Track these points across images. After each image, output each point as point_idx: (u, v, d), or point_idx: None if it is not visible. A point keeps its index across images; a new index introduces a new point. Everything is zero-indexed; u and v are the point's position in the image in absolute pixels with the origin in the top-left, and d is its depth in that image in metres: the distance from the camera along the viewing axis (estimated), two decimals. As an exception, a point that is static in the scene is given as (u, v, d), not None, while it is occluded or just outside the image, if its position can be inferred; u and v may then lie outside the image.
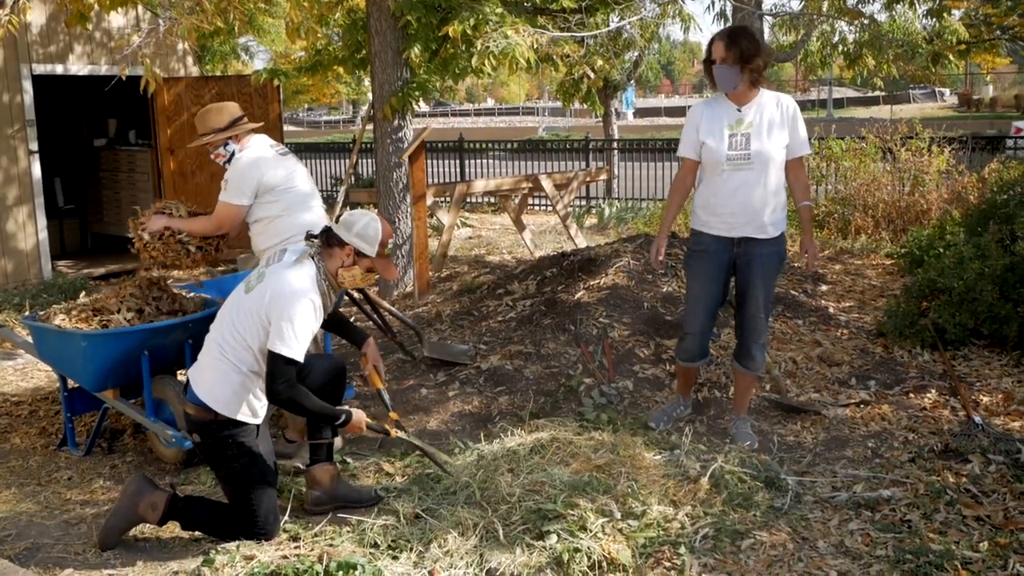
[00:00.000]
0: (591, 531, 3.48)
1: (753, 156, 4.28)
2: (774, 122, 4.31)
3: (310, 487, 4.10)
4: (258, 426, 3.83)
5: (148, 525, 3.92)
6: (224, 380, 3.74)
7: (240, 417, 3.75)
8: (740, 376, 4.68)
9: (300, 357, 3.65)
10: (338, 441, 4.65)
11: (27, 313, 6.03)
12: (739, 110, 4.34)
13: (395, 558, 3.49)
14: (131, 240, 4.88)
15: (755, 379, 4.70)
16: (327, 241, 3.85)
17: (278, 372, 3.62)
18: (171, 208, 4.94)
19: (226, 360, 3.74)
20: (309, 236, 3.92)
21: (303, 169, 4.90)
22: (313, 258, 3.82)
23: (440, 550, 3.47)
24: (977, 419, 4.60)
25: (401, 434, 4.17)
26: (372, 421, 3.97)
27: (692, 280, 4.60)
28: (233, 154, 4.75)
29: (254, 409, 3.79)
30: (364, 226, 3.82)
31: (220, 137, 4.71)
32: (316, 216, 4.82)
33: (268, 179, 4.67)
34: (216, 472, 3.89)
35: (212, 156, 4.80)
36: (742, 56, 4.21)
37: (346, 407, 3.88)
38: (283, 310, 3.63)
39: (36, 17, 9.54)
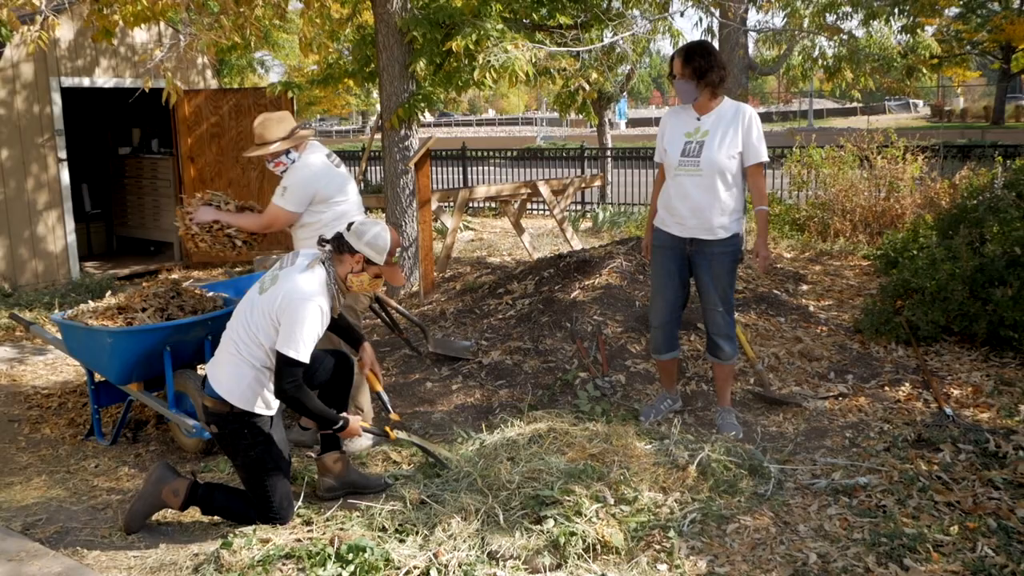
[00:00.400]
0: (586, 516, 3.48)
1: (703, 163, 4.33)
2: (729, 131, 4.34)
3: (321, 474, 4.10)
4: (271, 417, 3.84)
5: (170, 510, 3.92)
6: (239, 375, 3.74)
7: (254, 409, 3.75)
8: (715, 367, 4.72)
9: (306, 359, 3.64)
10: (366, 442, 4.67)
11: (57, 311, 6.03)
12: (699, 119, 4.41)
13: (402, 541, 3.50)
14: (177, 234, 4.87)
15: (730, 369, 4.68)
16: (338, 248, 3.84)
17: (284, 372, 3.63)
18: (219, 200, 4.92)
19: (240, 356, 3.74)
20: (321, 241, 3.92)
21: (352, 180, 4.87)
22: (324, 263, 3.82)
23: (444, 534, 3.48)
24: (948, 411, 4.61)
25: (401, 435, 4.18)
26: (369, 425, 3.97)
27: (653, 276, 4.70)
28: (293, 162, 4.71)
29: (267, 401, 3.79)
30: (375, 236, 3.80)
31: (284, 147, 4.68)
32: None
33: (323, 191, 4.66)
34: (233, 461, 3.89)
35: (272, 165, 4.74)
36: (696, 72, 4.31)
37: (344, 414, 3.87)
38: (293, 313, 3.63)
39: (64, 33, 9.54)
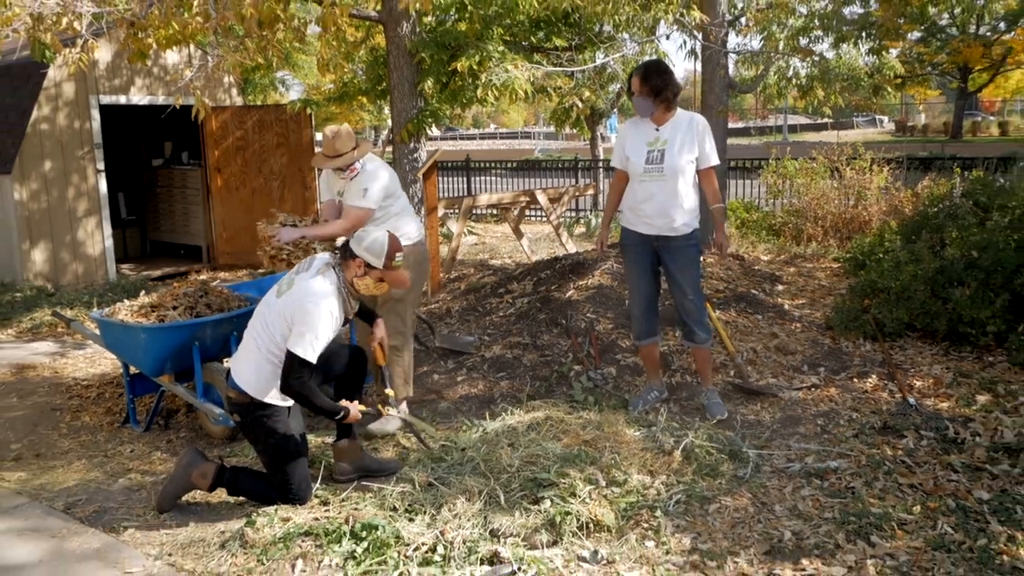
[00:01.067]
0: (580, 497, 3.48)
1: (666, 168, 4.41)
2: (686, 139, 4.43)
3: (337, 459, 4.09)
4: (289, 408, 3.83)
5: (199, 491, 3.92)
6: (258, 369, 3.74)
7: (271, 400, 3.75)
8: (694, 351, 4.76)
9: (312, 359, 3.63)
10: (395, 424, 4.67)
11: (95, 309, 6.02)
12: (657, 129, 4.48)
13: (411, 520, 3.49)
14: (261, 249, 4.86)
15: (707, 352, 4.72)
16: (344, 254, 3.84)
17: (292, 370, 3.62)
18: (294, 220, 4.94)
19: (260, 353, 3.74)
20: (334, 248, 3.91)
21: None
22: (334, 268, 3.81)
23: (450, 513, 3.47)
24: (911, 400, 4.61)
25: (391, 411, 4.17)
26: (365, 408, 3.95)
27: (627, 272, 4.79)
28: (363, 166, 4.71)
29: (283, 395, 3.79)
30: (372, 241, 3.79)
31: (356, 156, 4.68)
32: (419, 223, 4.97)
33: (391, 186, 4.75)
34: (255, 447, 3.89)
35: (347, 172, 4.69)
36: (652, 90, 4.40)
37: (343, 404, 3.85)
38: (304, 315, 3.62)
39: (103, 55, 9.54)
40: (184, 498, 3.93)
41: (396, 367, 4.78)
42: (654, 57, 10.00)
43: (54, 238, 9.40)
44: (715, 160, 4.52)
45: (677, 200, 4.45)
